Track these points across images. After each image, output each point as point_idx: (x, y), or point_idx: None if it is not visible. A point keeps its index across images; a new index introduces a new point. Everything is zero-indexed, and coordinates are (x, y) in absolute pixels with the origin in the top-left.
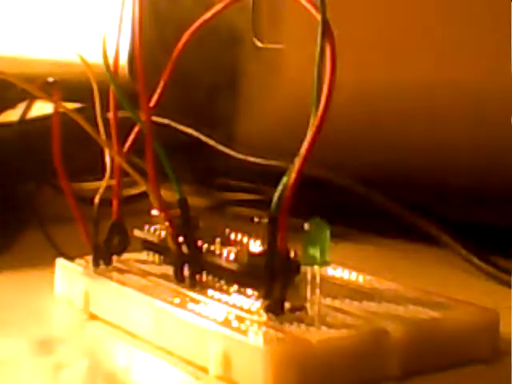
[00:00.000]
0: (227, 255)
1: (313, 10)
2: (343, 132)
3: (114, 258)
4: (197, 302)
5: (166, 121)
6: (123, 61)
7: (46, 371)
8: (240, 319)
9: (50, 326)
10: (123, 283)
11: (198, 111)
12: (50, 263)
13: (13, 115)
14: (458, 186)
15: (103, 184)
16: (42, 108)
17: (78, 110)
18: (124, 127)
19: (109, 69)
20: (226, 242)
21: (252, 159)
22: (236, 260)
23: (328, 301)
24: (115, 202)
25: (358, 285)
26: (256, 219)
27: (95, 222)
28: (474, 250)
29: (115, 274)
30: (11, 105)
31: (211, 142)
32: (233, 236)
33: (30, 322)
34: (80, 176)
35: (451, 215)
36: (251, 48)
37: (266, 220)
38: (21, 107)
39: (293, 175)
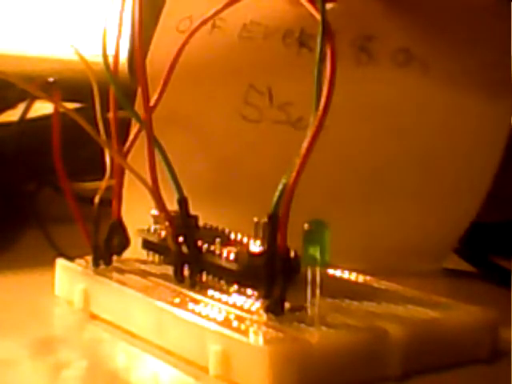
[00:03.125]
0: (227, 255)
1: (313, 10)
2: None
3: (114, 257)
4: (197, 302)
5: None
6: (123, 60)
7: (46, 371)
8: (240, 319)
9: (50, 325)
10: (123, 283)
11: None
12: (50, 263)
13: (13, 115)
14: None
15: (103, 184)
16: (42, 108)
17: (77, 110)
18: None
19: (109, 68)
20: (226, 242)
21: None
22: (236, 260)
23: (328, 301)
24: (115, 202)
25: (358, 285)
26: (256, 219)
27: (95, 221)
28: (474, 250)
29: (115, 274)
30: (11, 105)
31: None
32: (233, 236)
33: (30, 322)
34: (80, 176)
35: None
36: None
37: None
38: (21, 107)
39: (293, 175)
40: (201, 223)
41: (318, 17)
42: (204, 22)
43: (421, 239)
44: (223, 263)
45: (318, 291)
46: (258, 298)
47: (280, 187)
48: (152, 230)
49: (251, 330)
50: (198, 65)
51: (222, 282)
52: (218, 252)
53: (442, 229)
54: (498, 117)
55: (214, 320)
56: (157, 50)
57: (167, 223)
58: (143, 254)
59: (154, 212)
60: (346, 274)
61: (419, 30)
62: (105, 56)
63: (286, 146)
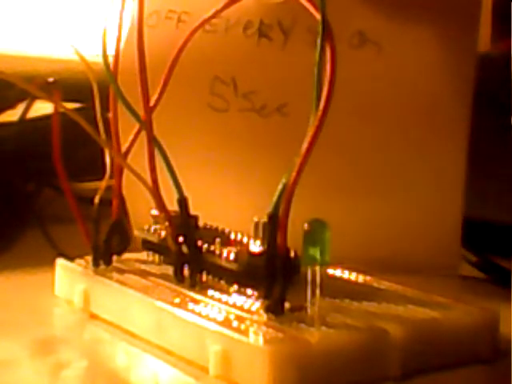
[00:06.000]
0: (227, 255)
1: (313, 10)
2: None
3: (114, 257)
4: (197, 301)
5: None
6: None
7: (46, 371)
8: (240, 319)
9: (50, 326)
10: (123, 283)
11: None
12: (50, 263)
13: (13, 115)
14: None
15: (103, 184)
16: (42, 108)
17: (77, 110)
18: None
19: (109, 68)
20: (226, 242)
21: None
22: (236, 260)
23: (328, 301)
24: (115, 202)
25: (358, 285)
26: (256, 219)
27: (95, 221)
28: (474, 250)
29: (115, 274)
30: (11, 105)
31: None
32: (233, 236)
33: (30, 322)
34: (80, 176)
35: None
36: None
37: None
38: (21, 107)
39: (293, 175)
40: (201, 223)
41: (318, 16)
42: (205, 22)
43: (417, 241)
44: (223, 263)
45: (317, 291)
46: (257, 298)
47: (280, 187)
48: (152, 230)
49: (251, 330)
50: (165, 60)
51: (222, 282)
52: (218, 252)
53: (435, 231)
54: (457, 92)
55: (214, 320)
56: (128, 45)
57: (167, 223)
58: (143, 254)
59: (154, 212)
60: (346, 274)
61: (372, 11)
62: (105, 56)
63: (252, 133)
